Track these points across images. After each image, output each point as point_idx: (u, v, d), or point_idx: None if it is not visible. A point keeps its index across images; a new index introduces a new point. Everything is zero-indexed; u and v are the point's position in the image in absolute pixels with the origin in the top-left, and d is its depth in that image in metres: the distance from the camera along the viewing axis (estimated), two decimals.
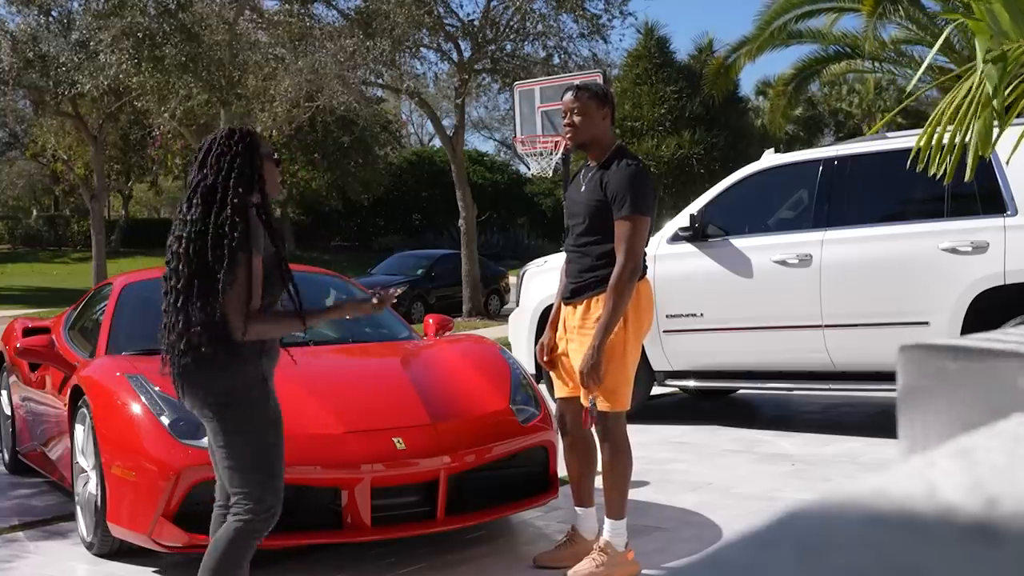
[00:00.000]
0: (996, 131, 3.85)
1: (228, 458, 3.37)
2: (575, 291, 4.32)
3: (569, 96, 4.36)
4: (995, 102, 3.64)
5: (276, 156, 3.59)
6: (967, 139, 3.84)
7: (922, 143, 4.03)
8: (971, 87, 3.78)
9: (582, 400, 4.27)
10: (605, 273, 4.17)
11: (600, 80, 11.74)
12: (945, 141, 3.94)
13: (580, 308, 4.27)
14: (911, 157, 4.16)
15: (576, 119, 4.31)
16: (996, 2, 3.61)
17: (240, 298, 3.29)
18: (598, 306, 4.18)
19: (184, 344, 3.31)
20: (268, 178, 3.48)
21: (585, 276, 4.27)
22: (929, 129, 4.01)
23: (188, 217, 3.36)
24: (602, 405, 4.19)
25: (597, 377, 4.11)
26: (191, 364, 3.32)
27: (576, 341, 4.27)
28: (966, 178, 4.14)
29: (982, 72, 3.70)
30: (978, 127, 3.75)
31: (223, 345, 3.32)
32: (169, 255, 3.41)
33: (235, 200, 3.32)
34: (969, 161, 3.94)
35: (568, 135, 4.38)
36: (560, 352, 4.45)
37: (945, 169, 3.95)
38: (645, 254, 4.26)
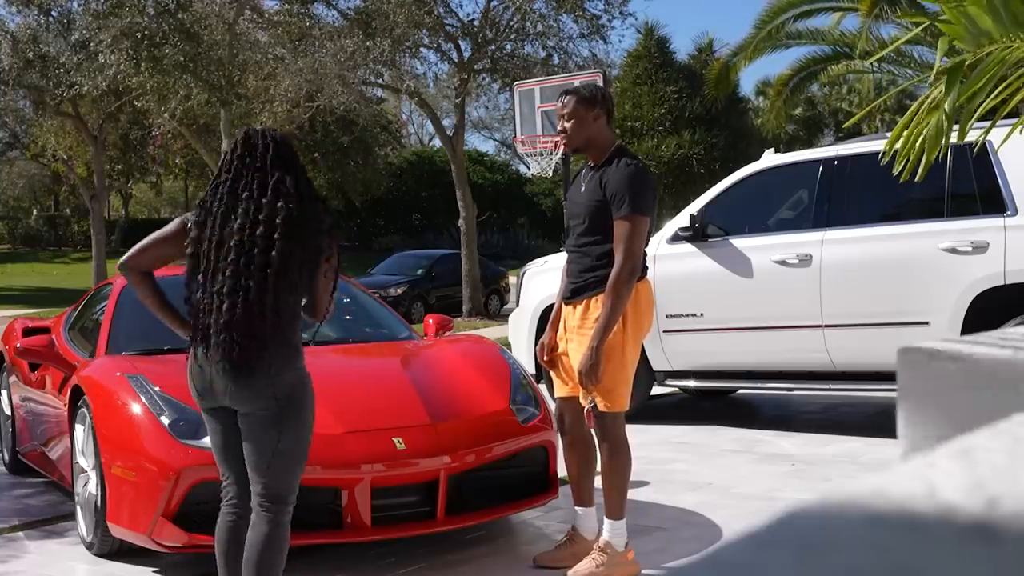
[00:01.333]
0: (975, 134, 3.87)
1: (279, 453, 3.32)
2: (575, 291, 4.32)
3: (559, 103, 4.38)
4: (946, 105, 3.63)
5: None
6: (924, 142, 3.86)
7: (888, 145, 4.06)
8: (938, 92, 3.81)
9: (581, 400, 4.27)
10: (605, 273, 4.17)
11: (600, 80, 11.73)
12: (914, 143, 3.97)
13: (580, 308, 4.27)
14: (879, 155, 4.20)
15: (567, 124, 4.32)
16: (971, 5, 3.59)
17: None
18: (598, 306, 4.17)
19: (253, 337, 3.23)
20: None
21: (585, 276, 4.27)
22: (898, 130, 4.04)
23: (276, 206, 3.24)
24: (601, 405, 4.18)
25: (595, 377, 4.11)
26: (258, 357, 3.23)
27: (576, 341, 4.26)
28: (917, 178, 4.17)
29: (933, 74, 3.72)
30: (928, 130, 3.76)
31: (291, 339, 3.31)
32: (233, 243, 3.23)
33: (311, 193, 3.39)
34: (922, 164, 3.97)
35: (563, 141, 4.40)
36: (560, 352, 4.45)
37: (905, 166, 3.98)
38: (645, 254, 4.26)
